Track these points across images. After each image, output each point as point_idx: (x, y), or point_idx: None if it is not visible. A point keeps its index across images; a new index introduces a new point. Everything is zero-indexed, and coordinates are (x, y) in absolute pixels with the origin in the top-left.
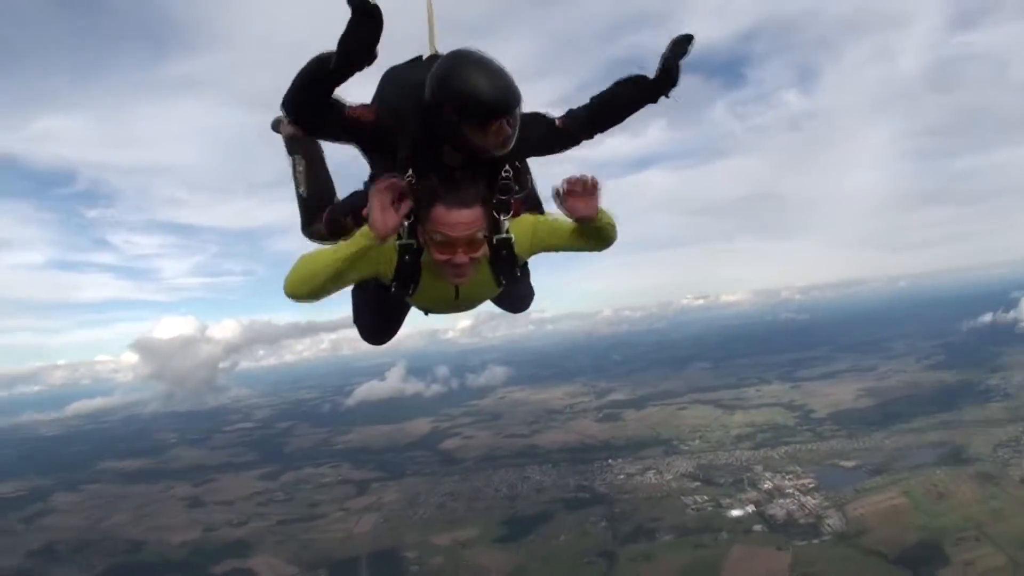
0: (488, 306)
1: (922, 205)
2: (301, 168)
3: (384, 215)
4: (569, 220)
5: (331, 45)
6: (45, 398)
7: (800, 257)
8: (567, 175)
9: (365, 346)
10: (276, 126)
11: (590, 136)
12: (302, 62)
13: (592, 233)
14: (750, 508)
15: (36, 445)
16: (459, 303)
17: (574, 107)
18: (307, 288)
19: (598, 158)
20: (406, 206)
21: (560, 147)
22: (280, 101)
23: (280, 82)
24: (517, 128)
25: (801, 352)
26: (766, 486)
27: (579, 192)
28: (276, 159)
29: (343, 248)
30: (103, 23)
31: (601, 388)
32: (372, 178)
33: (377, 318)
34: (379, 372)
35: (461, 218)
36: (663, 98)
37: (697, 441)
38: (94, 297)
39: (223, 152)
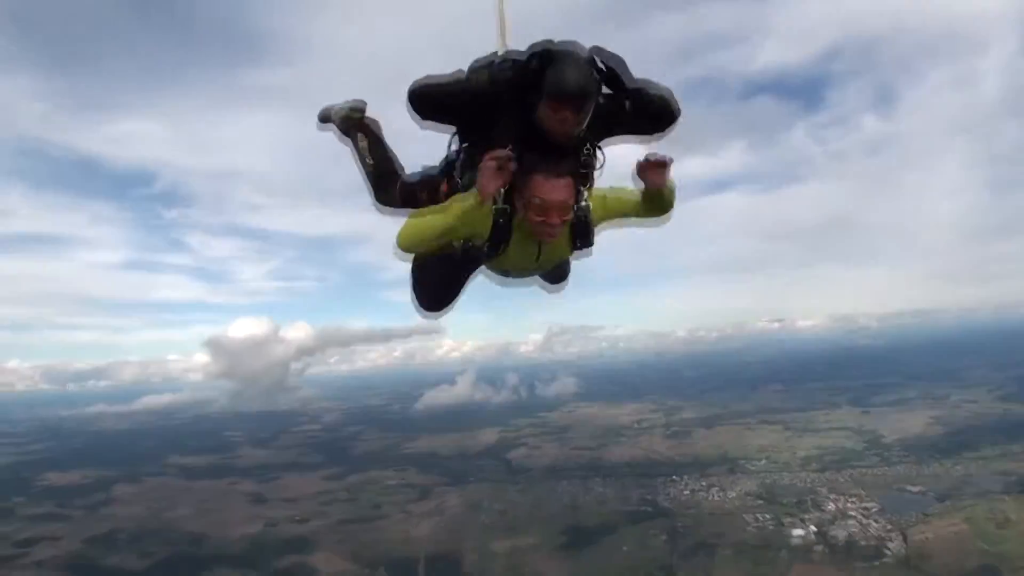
0: (561, 317)
1: (1000, 235)
2: (364, 144)
3: (491, 180)
4: (633, 194)
5: (400, 60)
6: (115, 393)
7: (877, 284)
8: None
9: (438, 355)
10: (326, 116)
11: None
12: (375, 74)
13: (656, 201)
14: (812, 529)
15: (103, 437)
16: (538, 263)
17: None
18: (417, 242)
19: (676, 179)
20: (509, 172)
21: (632, 132)
22: (408, 94)
23: (355, 93)
24: (583, 122)
25: (874, 379)
26: (829, 508)
27: (656, 165)
28: (348, 170)
29: (453, 209)
30: (185, 32)
31: (671, 406)
32: (449, 161)
33: (442, 282)
34: (450, 379)
35: (558, 186)
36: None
37: (764, 461)
38: (169, 297)
39: (300, 160)
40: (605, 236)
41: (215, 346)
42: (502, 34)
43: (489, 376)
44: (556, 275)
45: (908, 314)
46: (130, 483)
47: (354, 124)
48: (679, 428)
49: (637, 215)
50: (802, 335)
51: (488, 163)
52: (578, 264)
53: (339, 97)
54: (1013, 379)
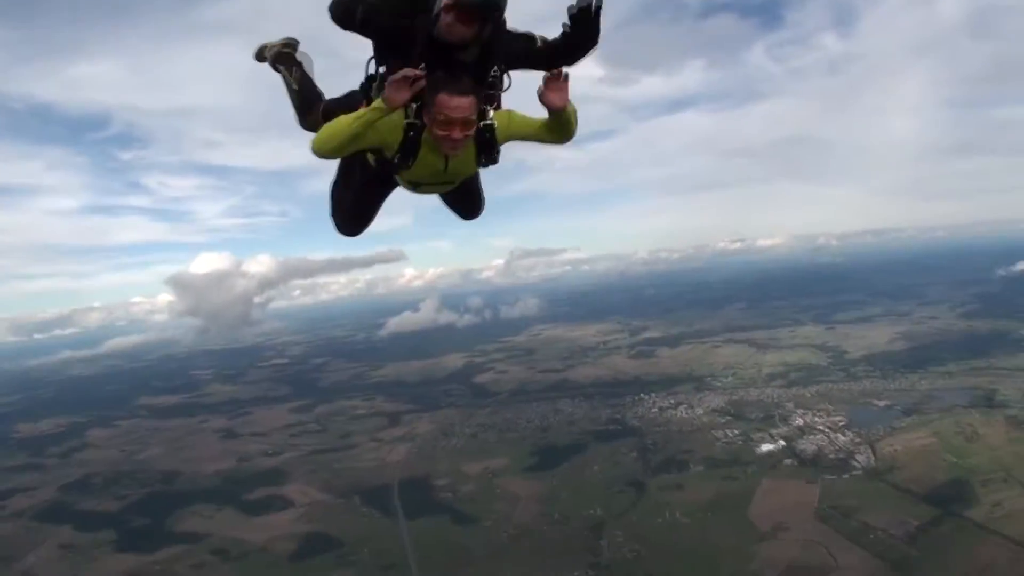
0: (522, 242)
1: (960, 154)
2: (290, 73)
3: (398, 92)
4: (538, 117)
5: None
6: (82, 339)
7: (838, 203)
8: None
9: (400, 284)
10: (260, 53)
11: (567, 63)
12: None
13: (557, 125)
14: (780, 443)
15: (73, 384)
16: (446, 176)
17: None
18: (331, 146)
19: (634, 99)
20: (417, 87)
21: (540, 66)
22: (330, 11)
23: (309, 25)
24: (470, 35)
25: (836, 296)
26: (797, 422)
27: (554, 83)
28: None
29: (362, 114)
30: None
31: (635, 326)
32: (368, 80)
33: (358, 201)
34: (413, 306)
35: (461, 103)
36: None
37: (730, 378)
38: (129, 240)
39: (257, 94)
40: (563, 157)
41: (178, 283)
42: None
43: (452, 302)
44: (469, 204)
45: (868, 232)
46: (102, 427)
47: (286, 58)
48: (644, 347)
49: (541, 137)
50: (764, 254)
51: (396, 77)
52: (538, 187)
53: (295, 27)
54: (974, 296)
